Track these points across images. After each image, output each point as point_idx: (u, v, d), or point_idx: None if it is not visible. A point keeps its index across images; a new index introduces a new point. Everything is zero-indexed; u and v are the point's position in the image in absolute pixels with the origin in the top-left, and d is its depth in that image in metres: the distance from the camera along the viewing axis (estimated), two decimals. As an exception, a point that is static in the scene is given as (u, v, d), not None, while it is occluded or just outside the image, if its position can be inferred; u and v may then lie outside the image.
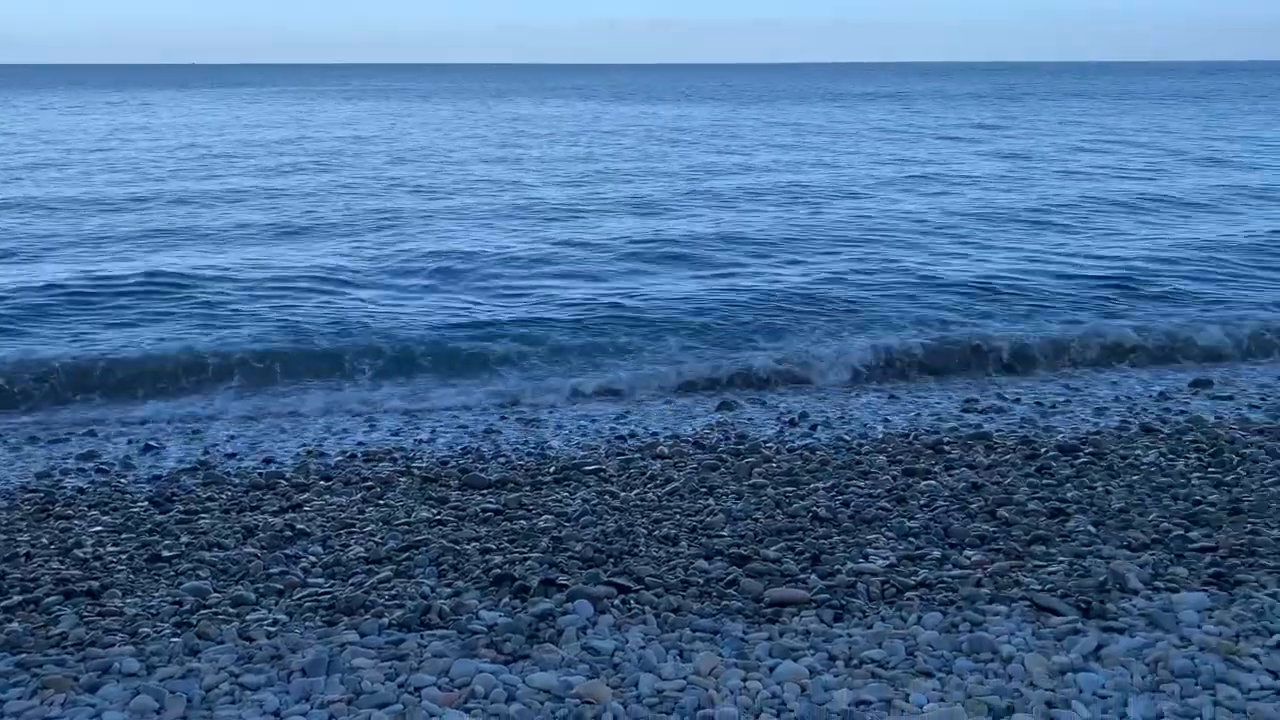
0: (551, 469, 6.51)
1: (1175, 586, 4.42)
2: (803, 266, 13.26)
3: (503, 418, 8.00)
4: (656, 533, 5.23)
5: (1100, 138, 34.87)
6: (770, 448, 6.92)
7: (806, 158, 28.01)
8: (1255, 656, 3.74)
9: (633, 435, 7.41)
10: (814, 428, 7.54)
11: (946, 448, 6.85)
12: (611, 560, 4.84)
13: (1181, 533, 5.12)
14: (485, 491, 6.05)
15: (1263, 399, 8.19)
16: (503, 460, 6.83)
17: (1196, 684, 3.59)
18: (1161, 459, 6.47)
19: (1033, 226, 16.72)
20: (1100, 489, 5.87)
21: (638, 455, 6.78)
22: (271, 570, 4.81)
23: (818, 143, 33.23)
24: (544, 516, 5.51)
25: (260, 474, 6.58)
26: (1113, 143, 32.94)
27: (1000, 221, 17.04)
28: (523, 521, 5.44)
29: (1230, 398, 8.26)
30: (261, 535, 5.31)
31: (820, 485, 6.00)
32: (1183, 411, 7.82)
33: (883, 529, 5.25)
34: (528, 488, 6.11)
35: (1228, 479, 6.03)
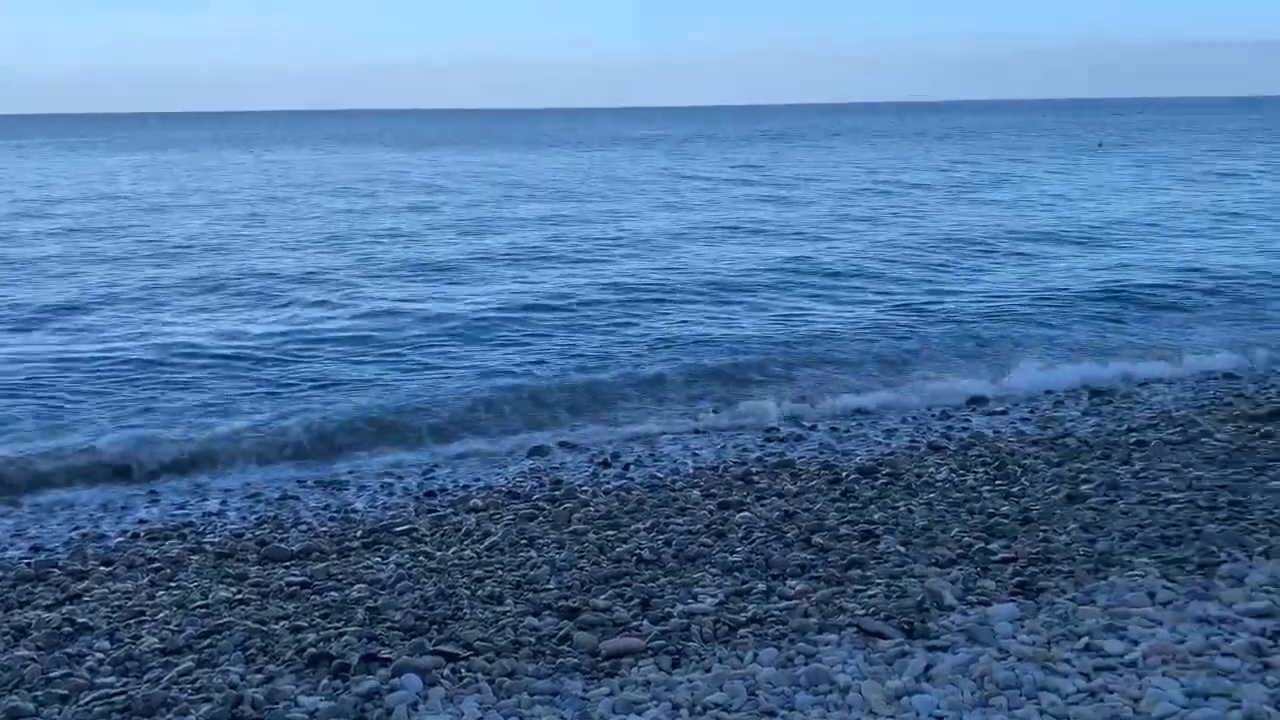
0: (359, 533, 6.18)
1: (986, 599, 4.64)
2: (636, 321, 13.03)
3: (300, 482, 7.54)
4: (480, 592, 5.03)
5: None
6: (586, 491, 6.84)
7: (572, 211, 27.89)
8: (1068, 661, 3.95)
9: (443, 490, 7.16)
10: (627, 467, 7.53)
11: (756, 478, 6.99)
12: (435, 627, 4.61)
13: (983, 545, 5.39)
14: (288, 564, 5.66)
15: (1031, 412, 8.82)
16: (304, 528, 6.43)
17: (1021, 694, 3.75)
18: (953, 475, 6.83)
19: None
20: (903, 508, 6.12)
21: (450, 511, 6.55)
22: (52, 673, 4.30)
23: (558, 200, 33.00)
24: (356, 586, 5.20)
25: (28, 564, 5.91)
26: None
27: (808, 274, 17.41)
28: (334, 593, 5.11)
29: (1004, 412, 8.86)
30: (36, 634, 4.75)
31: (640, 526, 5.97)
32: (964, 429, 8.31)
33: (707, 566, 5.26)
34: (335, 556, 5.77)
35: (1014, 490, 6.42)
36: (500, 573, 5.29)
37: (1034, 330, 12.01)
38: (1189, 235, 19.88)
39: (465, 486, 7.22)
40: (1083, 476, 6.60)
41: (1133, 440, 7.48)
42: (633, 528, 5.95)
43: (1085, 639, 4.11)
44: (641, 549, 5.53)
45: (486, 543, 5.80)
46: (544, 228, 21.92)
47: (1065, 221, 21.89)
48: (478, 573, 5.31)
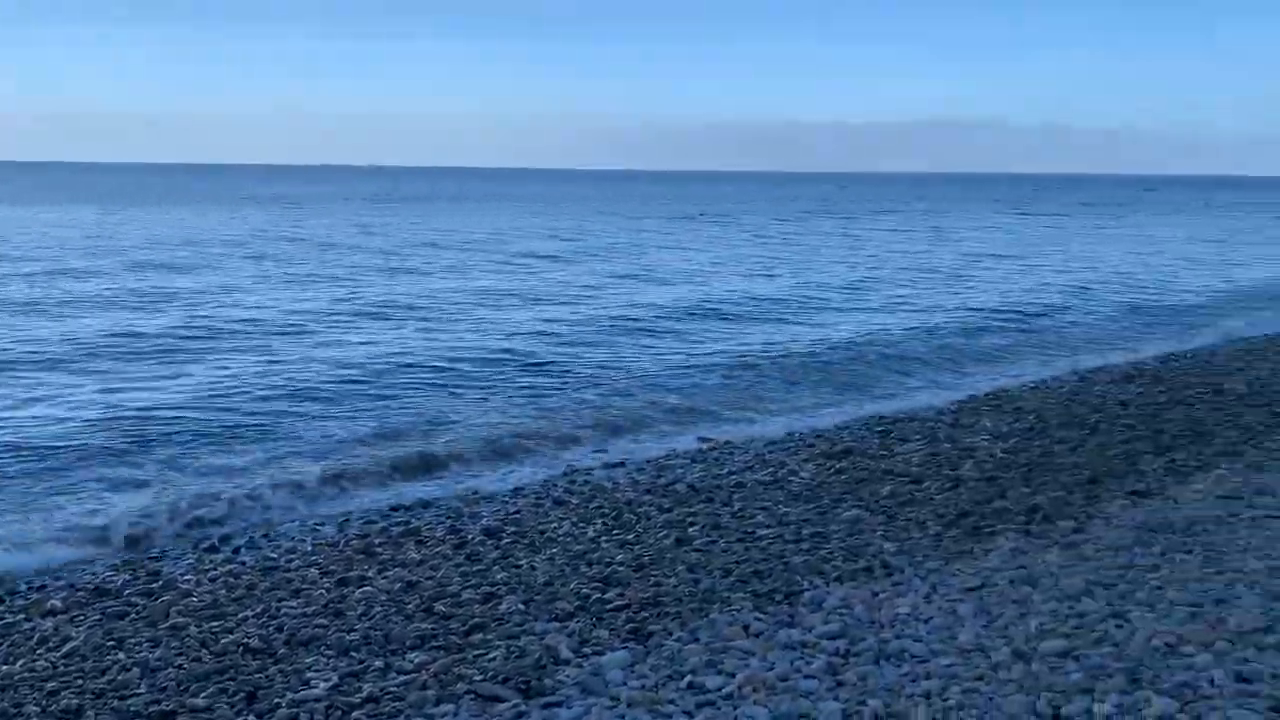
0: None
1: (600, 649, 4.78)
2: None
3: None
4: (53, 707, 4.44)
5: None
6: (189, 581, 6.28)
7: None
8: (672, 701, 4.15)
9: (12, 593, 6.27)
10: (237, 550, 7.02)
11: (378, 549, 6.78)
12: (-5, 755, 4.01)
13: (599, 595, 5.57)
14: None
15: (647, 462, 9.29)
16: None
17: (628, 741, 3.88)
18: (574, 528, 7.02)
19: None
20: (526, 565, 6.20)
21: (21, 617, 5.74)
22: None
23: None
24: (-106, 719, 4.41)
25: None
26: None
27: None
28: None
29: (622, 464, 9.26)
30: None
31: (249, 613, 5.57)
32: (586, 481, 8.59)
33: (321, 648, 5.01)
34: None
35: (629, 538, 6.71)
36: (80, 682, 4.71)
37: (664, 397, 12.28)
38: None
39: (41, 585, 6.38)
40: (690, 520, 7.04)
41: (733, 483, 8.09)
42: (240, 615, 5.54)
43: (689, 677, 4.35)
44: (249, 638, 5.16)
45: (65, 649, 5.14)
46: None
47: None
48: (51, 685, 4.69)
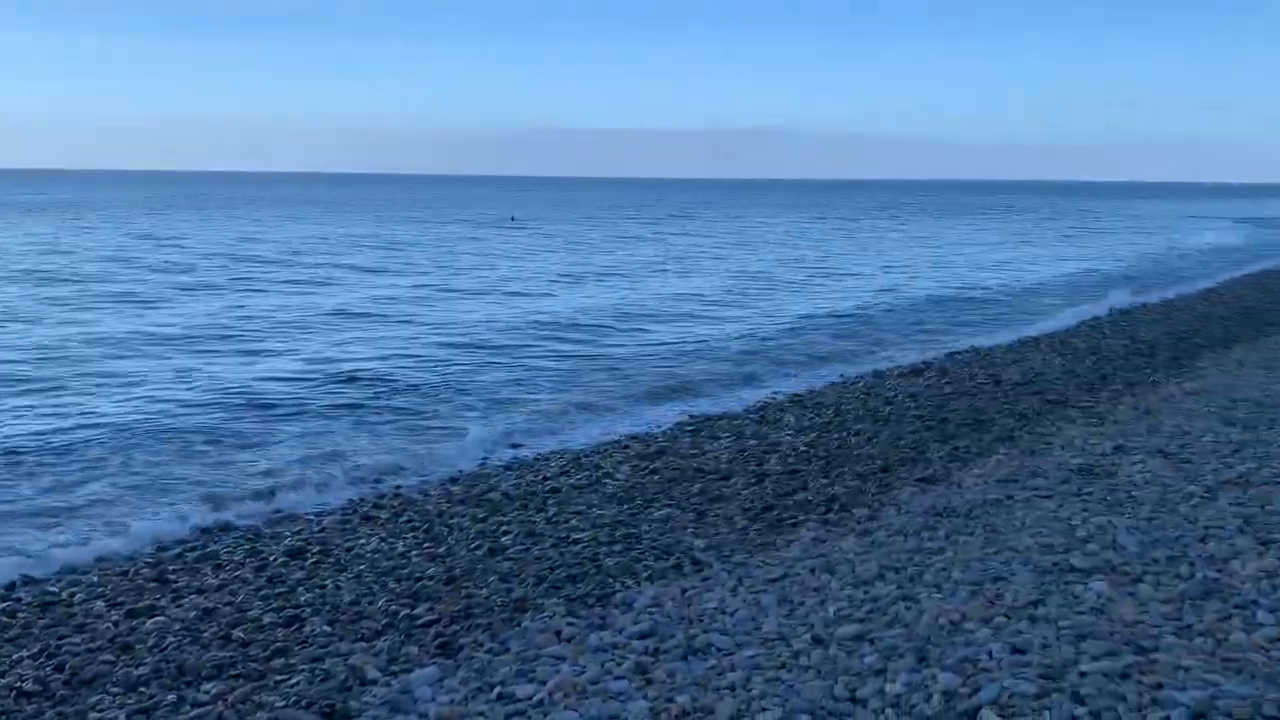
0: None
1: (409, 666, 4.68)
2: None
3: None
4: None
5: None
6: (-47, 625, 5.77)
7: None
8: (481, 714, 4.11)
9: None
10: (11, 587, 6.49)
11: (172, 576, 6.42)
12: None
13: (409, 611, 5.46)
14: None
15: (461, 472, 9.15)
16: None
17: (437, 757, 3.82)
18: (383, 544, 6.85)
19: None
20: (331, 585, 6.00)
21: None
22: None
23: None
24: None
25: None
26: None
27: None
28: None
29: (434, 475, 9.08)
30: None
31: (25, 654, 5.17)
32: (397, 495, 8.39)
33: (107, 686, 4.71)
34: None
35: (441, 550, 6.61)
36: None
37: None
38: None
39: None
40: (503, 529, 6.99)
41: (548, 489, 8.09)
42: (15, 657, 5.13)
43: (499, 688, 4.31)
44: (24, 680, 4.79)
45: None
46: None
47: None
48: None
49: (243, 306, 20.38)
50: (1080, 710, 3.50)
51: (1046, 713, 3.52)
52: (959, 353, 14.97)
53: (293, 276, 26.54)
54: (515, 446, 9.94)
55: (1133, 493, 6.26)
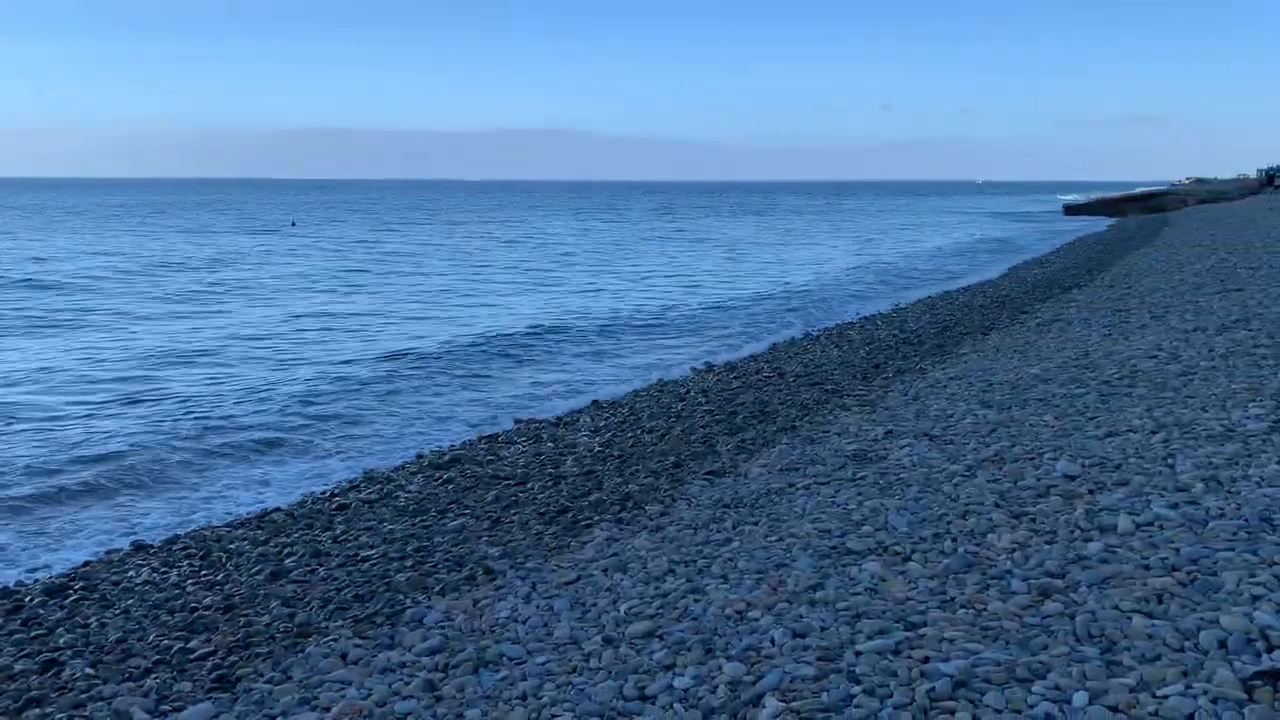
0: None
1: (181, 704, 4.40)
2: None
3: None
4: None
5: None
6: None
7: None
8: (260, 749, 3.90)
9: None
10: None
11: (-94, 628, 5.79)
12: None
13: (182, 645, 5.13)
14: None
15: (244, 491, 8.71)
16: None
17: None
18: (155, 575, 6.42)
19: None
20: (95, 624, 5.57)
21: None
22: None
23: None
24: None
25: None
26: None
27: None
28: None
29: (214, 499, 8.62)
30: None
31: None
32: (167, 525, 7.89)
33: None
34: None
35: (219, 578, 6.25)
36: None
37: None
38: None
39: None
40: (287, 551, 6.69)
41: (334, 506, 7.80)
42: None
43: (279, 719, 4.11)
44: None
45: None
46: None
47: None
48: None
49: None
50: (856, 689, 3.66)
51: (825, 694, 3.66)
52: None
53: None
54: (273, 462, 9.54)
55: (902, 475, 6.62)
